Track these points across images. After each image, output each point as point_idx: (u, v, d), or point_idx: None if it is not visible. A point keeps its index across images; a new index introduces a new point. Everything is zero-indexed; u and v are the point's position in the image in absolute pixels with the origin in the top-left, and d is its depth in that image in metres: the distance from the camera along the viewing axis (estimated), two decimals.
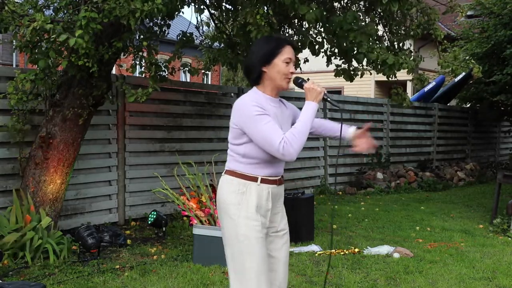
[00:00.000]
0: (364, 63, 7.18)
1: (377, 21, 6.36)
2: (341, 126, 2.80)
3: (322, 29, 6.40)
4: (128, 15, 4.50)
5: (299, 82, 2.67)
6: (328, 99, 2.63)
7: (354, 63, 7.10)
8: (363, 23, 5.95)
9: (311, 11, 5.12)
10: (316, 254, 5.28)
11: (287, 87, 2.61)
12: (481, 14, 11.61)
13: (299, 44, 6.62)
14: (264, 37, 2.70)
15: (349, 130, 2.85)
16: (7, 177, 5.54)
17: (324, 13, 5.54)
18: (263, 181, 2.53)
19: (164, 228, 5.96)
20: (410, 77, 7.29)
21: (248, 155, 2.51)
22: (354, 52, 5.93)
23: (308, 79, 2.66)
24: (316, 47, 6.73)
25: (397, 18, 6.82)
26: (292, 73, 2.58)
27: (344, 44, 6.06)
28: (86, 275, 4.50)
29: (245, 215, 2.49)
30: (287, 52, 2.56)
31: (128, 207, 6.80)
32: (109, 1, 4.48)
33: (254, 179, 2.52)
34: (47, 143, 5.26)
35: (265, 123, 2.41)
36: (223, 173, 2.61)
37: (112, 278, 4.45)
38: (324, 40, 6.97)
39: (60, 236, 5.09)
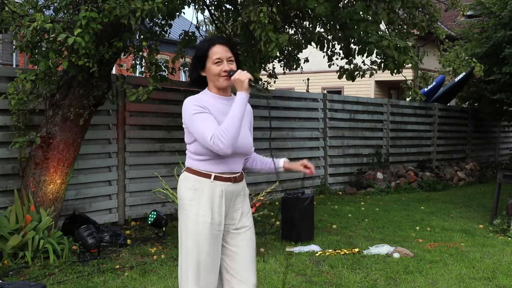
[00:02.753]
0: (368, 61, 7.18)
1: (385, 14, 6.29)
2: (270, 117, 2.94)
3: (328, 26, 6.38)
4: (128, 14, 4.50)
5: (230, 75, 2.63)
6: (253, 84, 2.59)
7: (358, 61, 7.09)
8: (371, 13, 5.95)
9: (320, 4, 5.10)
10: (316, 254, 5.28)
11: (227, 84, 2.62)
12: (481, 14, 11.63)
13: (303, 41, 6.62)
14: (199, 43, 2.81)
15: (280, 163, 2.85)
16: (7, 177, 5.54)
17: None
18: (217, 178, 2.58)
19: (164, 228, 5.96)
20: (411, 76, 7.26)
21: (198, 152, 2.58)
22: (364, 45, 5.92)
23: (236, 71, 2.62)
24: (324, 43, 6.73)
25: (400, 16, 6.82)
26: (225, 71, 2.60)
27: (353, 39, 6.05)
28: (86, 275, 4.50)
29: (195, 211, 2.56)
30: (215, 53, 2.60)
31: (128, 207, 6.80)
32: (109, 0, 4.48)
33: (207, 176, 2.58)
34: (47, 143, 5.26)
35: (201, 120, 2.50)
36: (182, 171, 2.69)
37: (112, 278, 4.45)
38: (326, 40, 6.97)
39: (60, 236, 5.09)
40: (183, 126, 2.63)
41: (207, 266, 2.57)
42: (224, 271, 2.67)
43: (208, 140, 2.46)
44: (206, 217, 2.56)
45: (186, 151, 2.66)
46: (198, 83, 2.72)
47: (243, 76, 2.54)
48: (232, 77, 2.58)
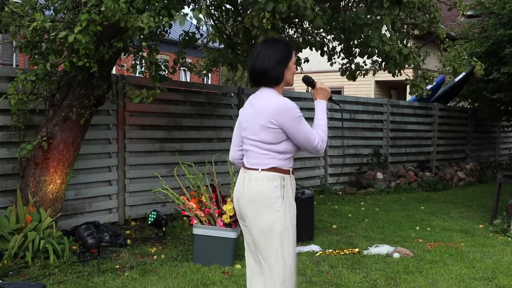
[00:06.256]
0: (369, 61, 7.18)
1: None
2: (342, 124, 3.33)
3: (329, 27, 6.38)
4: (134, 29, 4.40)
5: (311, 81, 2.97)
6: (333, 98, 3.02)
7: (359, 60, 7.08)
8: (375, 17, 5.94)
9: (318, 17, 5.07)
10: (316, 254, 5.28)
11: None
12: (481, 14, 11.62)
13: (303, 44, 6.61)
14: (275, 41, 2.93)
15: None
16: (7, 177, 5.54)
17: (329, 11, 5.51)
18: (292, 172, 2.88)
19: (164, 228, 5.96)
20: (412, 76, 7.19)
21: (287, 150, 2.80)
22: (366, 48, 5.90)
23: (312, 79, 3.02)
24: (324, 48, 6.72)
25: (400, 17, 6.81)
26: (306, 76, 3.03)
27: (355, 41, 6.03)
28: (86, 275, 4.50)
29: (288, 205, 2.79)
30: (294, 55, 2.93)
31: (128, 207, 6.80)
32: (116, 13, 4.33)
33: (288, 172, 2.83)
34: (47, 143, 5.25)
35: (304, 123, 2.76)
36: (258, 171, 2.78)
37: (112, 278, 4.45)
38: (325, 39, 6.97)
39: (60, 236, 5.09)
40: (271, 126, 2.72)
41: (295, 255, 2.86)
42: None
43: (315, 142, 2.77)
44: (294, 209, 2.84)
45: (263, 152, 2.78)
46: (278, 80, 2.83)
47: (327, 88, 2.97)
48: (318, 85, 2.93)
